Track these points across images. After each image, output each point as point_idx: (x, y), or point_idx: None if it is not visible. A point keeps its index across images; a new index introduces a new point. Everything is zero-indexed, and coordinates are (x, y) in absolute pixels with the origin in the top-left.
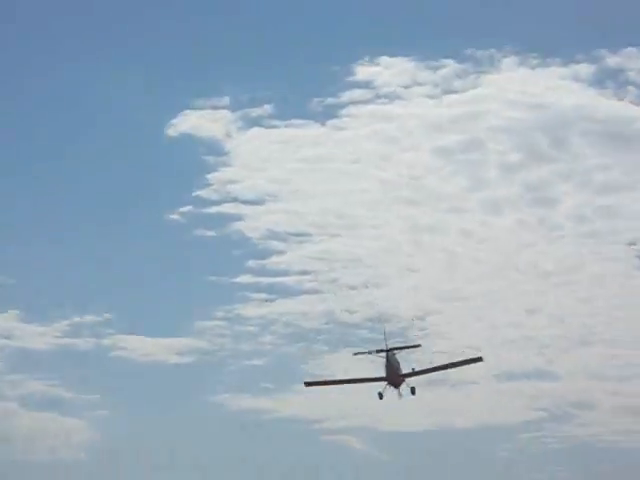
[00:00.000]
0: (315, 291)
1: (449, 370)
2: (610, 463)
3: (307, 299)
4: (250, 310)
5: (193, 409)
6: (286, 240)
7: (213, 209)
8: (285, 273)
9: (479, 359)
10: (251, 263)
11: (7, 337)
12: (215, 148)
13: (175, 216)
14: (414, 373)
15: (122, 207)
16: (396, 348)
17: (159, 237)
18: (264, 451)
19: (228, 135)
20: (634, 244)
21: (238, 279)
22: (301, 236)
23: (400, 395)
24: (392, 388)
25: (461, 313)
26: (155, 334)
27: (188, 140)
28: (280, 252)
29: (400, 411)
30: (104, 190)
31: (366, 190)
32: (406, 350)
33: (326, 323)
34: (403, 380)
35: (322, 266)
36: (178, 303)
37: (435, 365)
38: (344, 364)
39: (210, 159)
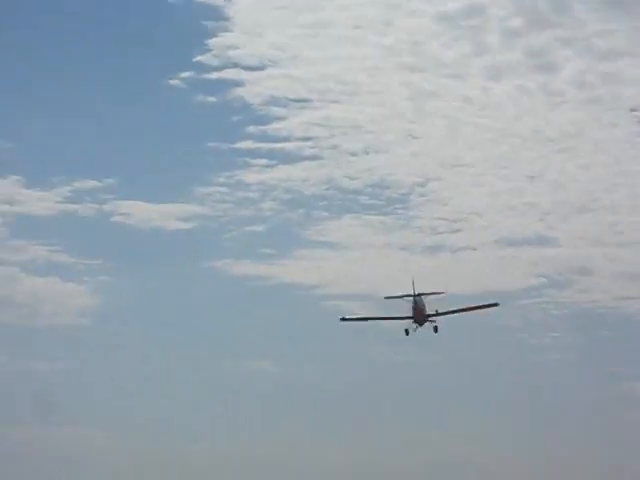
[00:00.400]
0: (316, 157)
1: (450, 235)
2: (609, 329)
3: (308, 165)
4: (251, 176)
5: (193, 275)
6: (287, 106)
7: (214, 75)
8: (286, 139)
9: (496, 304)
10: (252, 129)
11: (8, 203)
12: (215, 13)
13: (176, 82)
14: (437, 314)
15: (123, 73)
16: (422, 294)
17: (160, 103)
18: (263, 316)
19: (228, 0)
20: (635, 110)
21: (239, 145)
22: (302, 102)
23: (415, 330)
24: (417, 326)
25: (462, 179)
26: (156, 200)
27: (188, 5)
28: (281, 118)
29: (401, 278)
30: (104, 56)
31: (367, 56)
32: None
33: (326, 189)
34: (427, 319)
35: (323, 132)
36: (179, 169)
37: (455, 308)
38: (344, 231)
39: (210, 24)
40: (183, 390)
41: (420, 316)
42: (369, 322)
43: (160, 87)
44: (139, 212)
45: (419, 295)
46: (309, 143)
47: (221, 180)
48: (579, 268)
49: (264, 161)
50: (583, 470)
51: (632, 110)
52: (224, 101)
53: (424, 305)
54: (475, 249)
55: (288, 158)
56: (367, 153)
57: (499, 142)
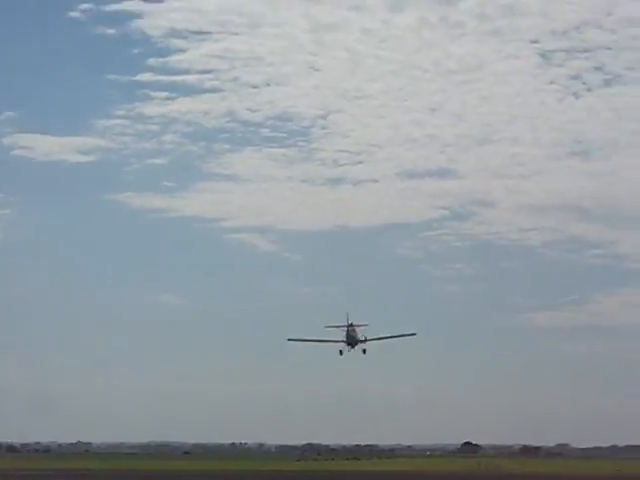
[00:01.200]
0: (216, 90)
1: (351, 167)
2: (511, 260)
3: (209, 98)
4: (151, 109)
5: (95, 208)
6: (187, 38)
7: (113, 7)
8: (186, 72)
9: (414, 334)
10: (152, 61)
11: None
12: None
13: (75, 13)
14: (364, 340)
15: (21, 4)
16: (353, 325)
17: (59, 35)
18: (165, 249)
19: None
20: (537, 42)
21: (139, 77)
22: (202, 34)
23: (349, 351)
24: (349, 348)
25: (363, 112)
26: (57, 133)
27: None
28: (181, 50)
29: (304, 210)
30: None
31: None
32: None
33: (228, 122)
34: (357, 343)
35: (223, 64)
36: (79, 102)
37: (379, 336)
38: (246, 164)
39: None
40: (83, 323)
41: (352, 341)
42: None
43: (59, 19)
44: (40, 145)
45: (351, 325)
46: (210, 75)
47: (121, 113)
48: (480, 200)
49: (165, 94)
50: (482, 398)
51: (533, 42)
52: (124, 33)
53: (355, 332)
54: (376, 181)
55: (189, 90)
56: (268, 85)
57: (400, 74)
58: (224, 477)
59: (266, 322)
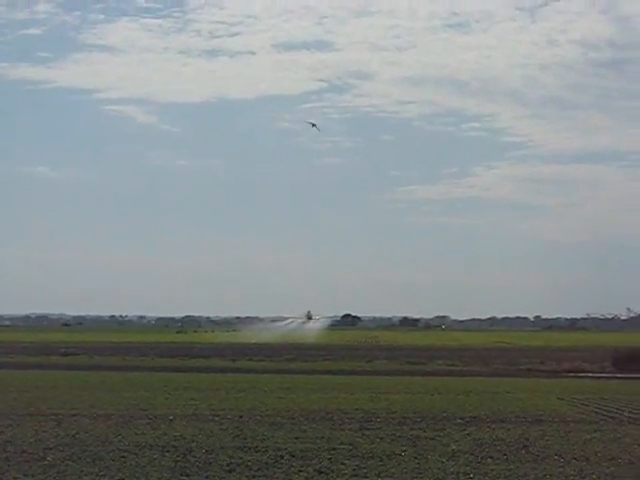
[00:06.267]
0: None
1: (228, 39)
2: (389, 133)
3: None
4: None
5: None
6: None
7: None
8: None
9: (344, 315)
10: None
11: None
12: None
13: None
14: (315, 318)
15: None
16: (310, 312)
17: None
18: (41, 121)
19: None
20: None
21: None
22: None
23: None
24: (307, 320)
25: None
26: None
27: None
28: None
29: (181, 82)
30: None
31: None
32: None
33: None
34: (311, 319)
35: None
36: None
37: (323, 316)
38: (121, 34)
39: None
40: None
41: (309, 317)
42: None
43: None
44: None
45: (309, 312)
46: None
47: None
48: (358, 72)
49: None
50: (361, 270)
51: None
52: None
53: (310, 315)
54: (254, 53)
55: None
56: None
57: None
58: (106, 349)
59: (145, 195)
